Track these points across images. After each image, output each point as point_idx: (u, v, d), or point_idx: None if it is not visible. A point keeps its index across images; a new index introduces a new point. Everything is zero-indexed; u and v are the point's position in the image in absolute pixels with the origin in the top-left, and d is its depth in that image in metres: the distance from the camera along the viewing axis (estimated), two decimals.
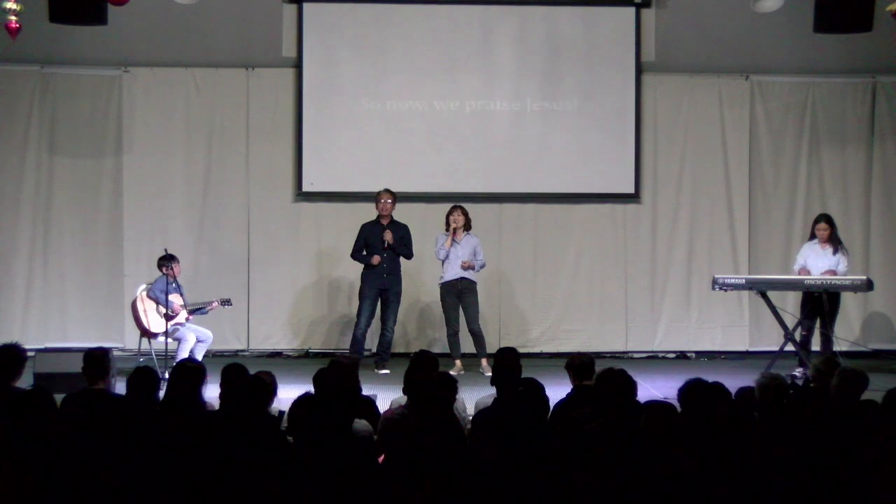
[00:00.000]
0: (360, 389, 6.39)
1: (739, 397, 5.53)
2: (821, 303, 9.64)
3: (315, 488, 4.29)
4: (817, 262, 9.85)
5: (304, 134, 11.21)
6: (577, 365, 6.29)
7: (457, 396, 5.60)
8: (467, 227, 10.16)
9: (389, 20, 11.22)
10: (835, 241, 9.90)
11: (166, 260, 9.73)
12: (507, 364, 6.16)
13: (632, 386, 5.34)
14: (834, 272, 9.69)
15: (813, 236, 10.02)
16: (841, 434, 4.89)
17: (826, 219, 10.03)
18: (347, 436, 4.91)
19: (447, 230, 10.15)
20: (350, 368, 6.31)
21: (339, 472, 4.37)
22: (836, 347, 9.68)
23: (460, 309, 10.14)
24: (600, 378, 5.50)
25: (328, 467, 4.39)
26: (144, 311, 9.70)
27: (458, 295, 10.12)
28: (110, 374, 6.34)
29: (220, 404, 5.60)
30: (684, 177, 11.57)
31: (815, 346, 9.85)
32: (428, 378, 5.61)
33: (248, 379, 5.45)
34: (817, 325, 9.80)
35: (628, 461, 4.42)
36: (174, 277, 9.73)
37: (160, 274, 9.75)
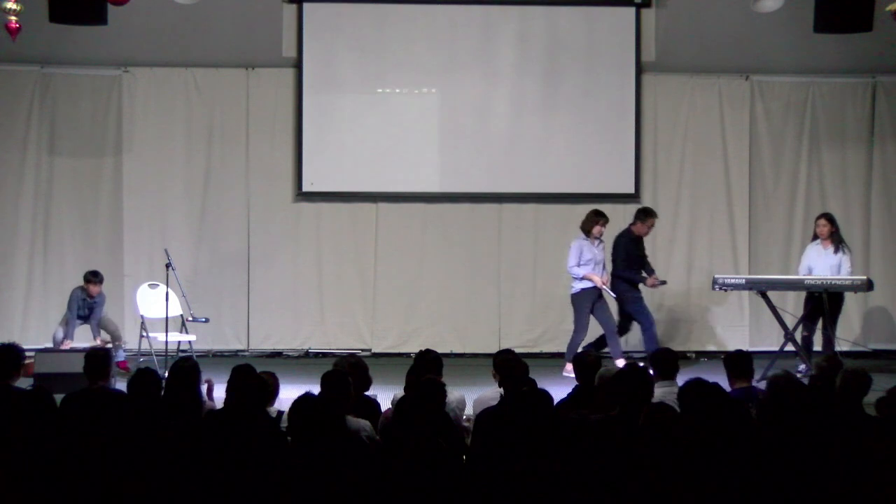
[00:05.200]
0: (366, 389, 6.41)
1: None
2: (822, 303, 9.65)
3: (314, 488, 4.29)
4: (819, 263, 9.86)
5: (303, 134, 11.21)
6: (591, 363, 6.29)
7: (450, 398, 5.63)
8: None
9: (389, 20, 11.22)
10: (836, 240, 9.90)
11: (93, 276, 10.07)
12: (508, 365, 6.18)
13: (650, 384, 5.40)
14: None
15: (816, 237, 10.02)
16: (843, 434, 4.89)
17: (826, 216, 10.05)
18: (347, 436, 4.91)
19: (588, 236, 9.95)
20: (362, 369, 6.34)
21: (339, 472, 4.37)
22: (837, 347, 9.68)
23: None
24: (621, 374, 5.50)
25: (328, 467, 4.39)
26: None
27: (594, 301, 9.92)
28: (110, 373, 6.36)
29: (224, 403, 5.60)
30: (684, 177, 11.58)
31: (817, 346, 9.87)
32: (416, 382, 5.64)
33: (250, 379, 5.46)
34: (818, 325, 9.81)
35: (628, 461, 4.42)
36: (91, 297, 10.04)
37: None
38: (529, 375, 6.03)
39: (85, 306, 10.11)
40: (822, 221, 9.98)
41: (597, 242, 10.00)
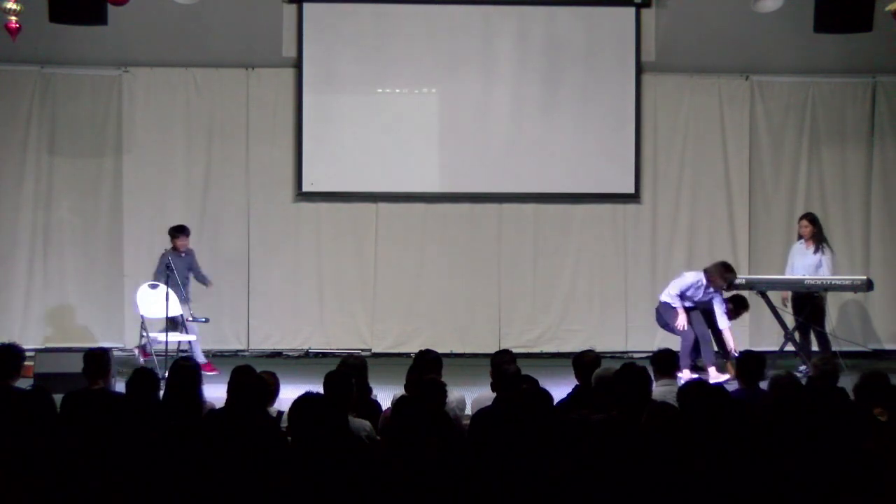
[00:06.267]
0: (369, 390, 6.42)
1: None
2: (822, 302, 9.68)
3: (314, 488, 4.29)
4: (799, 262, 9.93)
5: (303, 134, 11.21)
6: (589, 363, 6.29)
7: (450, 398, 5.63)
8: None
9: (389, 20, 11.22)
10: (818, 241, 9.93)
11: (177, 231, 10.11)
12: (500, 367, 6.19)
13: (648, 383, 5.40)
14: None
15: (800, 236, 10.08)
16: (844, 433, 4.88)
17: (808, 216, 10.10)
18: (348, 436, 4.91)
19: (708, 283, 9.60)
20: (361, 369, 6.34)
21: (339, 472, 4.37)
22: (833, 346, 9.72)
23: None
24: (620, 373, 5.51)
25: (328, 467, 4.39)
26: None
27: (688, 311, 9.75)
28: (110, 373, 6.35)
29: (225, 404, 5.60)
30: (684, 177, 11.57)
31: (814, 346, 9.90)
32: (416, 382, 5.65)
33: (250, 379, 5.46)
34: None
35: (631, 461, 4.42)
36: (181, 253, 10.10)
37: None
38: (529, 376, 6.04)
39: (183, 265, 10.08)
40: (804, 222, 10.06)
41: (711, 292, 9.68)
